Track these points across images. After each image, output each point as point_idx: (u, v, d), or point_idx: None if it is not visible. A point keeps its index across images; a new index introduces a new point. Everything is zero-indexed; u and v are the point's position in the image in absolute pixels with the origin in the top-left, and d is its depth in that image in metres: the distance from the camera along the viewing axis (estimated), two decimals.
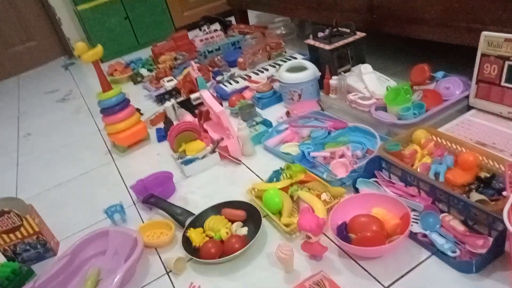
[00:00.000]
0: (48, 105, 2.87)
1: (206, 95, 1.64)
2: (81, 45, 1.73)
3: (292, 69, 1.86)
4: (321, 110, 1.75)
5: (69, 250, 1.23)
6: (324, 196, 1.23)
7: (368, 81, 1.65)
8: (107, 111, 1.85)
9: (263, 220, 1.22)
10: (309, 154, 1.46)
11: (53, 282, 1.17)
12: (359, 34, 1.82)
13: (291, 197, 1.28)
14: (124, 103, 1.88)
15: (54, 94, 3.03)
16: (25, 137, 2.42)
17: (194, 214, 1.33)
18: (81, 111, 2.60)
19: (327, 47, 1.79)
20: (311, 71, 1.82)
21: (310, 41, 1.90)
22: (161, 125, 2.05)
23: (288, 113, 1.82)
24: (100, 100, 1.85)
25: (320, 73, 1.83)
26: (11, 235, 1.27)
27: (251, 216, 1.26)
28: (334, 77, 1.75)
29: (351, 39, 1.81)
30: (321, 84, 1.82)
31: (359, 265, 1.03)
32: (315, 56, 1.92)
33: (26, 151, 2.25)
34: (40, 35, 3.76)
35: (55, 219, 1.47)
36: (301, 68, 1.84)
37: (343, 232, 1.05)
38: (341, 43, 1.80)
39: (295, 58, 2.20)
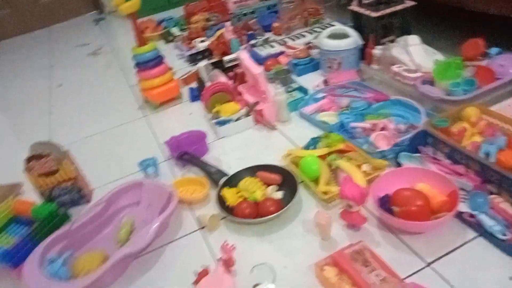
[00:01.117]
0: (79, 58, 2.86)
1: (244, 56, 1.59)
2: None
3: (334, 36, 1.78)
4: (361, 81, 1.69)
5: (105, 198, 1.24)
6: (364, 167, 1.20)
7: (414, 53, 1.57)
8: (142, 65, 1.83)
9: (299, 187, 1.20)
10: (348, 124, 1.42)
11: (88, 227, 1.18)
12: (408, 3, 1.73)
13: (329, 165, 1.25)
14: (158, 59, 1.85)
15: (85, 48, 3.01)
16: (57, 88, 2.43)
17: (228, 174, 1.32)
18: (111, 66, 2.58)
19: (373, 14, 1.70)
20: (354, 39, 1.75)
21: (355, 7, 1.81)
22: (193, 85, 2.02)
23: (325, 82, 1.76)
24: (135, 54, 1.82)
25: (362, 42, 1.76)
26: (49, 179, 1.29)
27: (287, 181, 1.24)
28: (378, 47, 1.67)
29: (399, 7, 1.72)
30: (363, 53, 1.75)
31: (399, 239, 1.00)
32: (358, 23, 1.84)
33: (58, 102, 2.26)
34: None
35: (88, 169, 1.47)
36: (343, 35, 1.77)
37: (386, 204, 1.01)
38: (388, 11, 1.71)
39: (333, 26, 2.11)
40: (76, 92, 2.32)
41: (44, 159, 1.24)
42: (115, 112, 1.99)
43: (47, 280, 1.00)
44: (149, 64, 1.81)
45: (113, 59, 2.68)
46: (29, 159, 1.25)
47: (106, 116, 1.98)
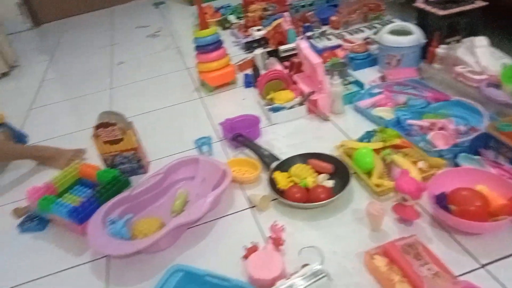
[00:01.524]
0: (139, 38, 2.98)
1: (304, 45, 1.60)
2: None
3: (395, 32, 1.75)
4: (420, 79, 1.66)
5: (163, 170, 1.31)
6: (420, 164, 1.19)
7: (481, 55, 1.52)
8: (202, 49, 1.89)
9: (351, 177, 1.21)
10: (405, 121, 1.40)
11: (147, 195, 1.25)
12: (478, 3, 1.67)
13: (383, 159, 1.24)
14: (218, 43, 1.90)
15: (145, 30, 3.13)
16: (118, 65, 2.55)
17: (280, 159, 1.34)
18: (170, 48, 2.68)
19: (440, 12, 1.66)
20: (416, 36, 1.72)
21: (420, 4, 1.77)
22: (248, 71, 2.06)
23: (383, 78, 1.74)
24: (197, 37, 1.88)
25: (425, 40, 1.72)
26: (113, 146, 1.37)
27: (338, 171, 1.26)
28: (442, 46, 1.63)
29: (468, 7, 1.67)
30: (424, 52, 1.72)
31: (452, 238, 0.99)
32: (422, 21, 1.80)
33: (119, 78, 2.37)
34: None
35: (146, 142, 1.55)
36: (405, 32, 1.74)
37: (442, 202, 1.00)
38: (456, 10, 1.66)
39: (393, 22, 2.07)
40: (136, 71, 2.43)
41: (110, 128, 1.32)
42: (172, 92, 2.07)
43: (108, 237, 1.08)
44: (209, 47, 1.87)
45: (171, 42, 2.77)
46: (97, 127, 1.33)
47: (163, 95, 2.06)
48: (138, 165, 1.42)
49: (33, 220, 1.31)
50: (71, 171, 1.36)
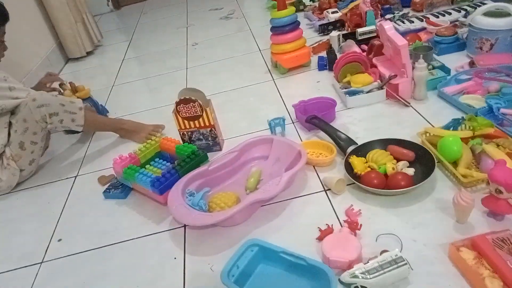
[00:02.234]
0: (212, 20, 3.04)
1: (388, 27, 1.52)
2: None
3: (491, 14, 1.61)
4: None
5: (238, 147, 1.33)
6: None
7: None
8: (278, 29, 1.87)
9: (436, 166, 1.14)
10: (498, 110, 1.29)
11: (223, 171, 1.29)
12: None
13: (472, 149, 1.16)
14: (294, 24, 1.88)
15: (219, 12, 3.18)
16: (193, 46, 2.63)
17: (357, 143, 1.31)
18: (243, 30, 2.70)
19: None
20: None
21: None
22: (322, 54, 2.02)
23: (472, 63, 1.62)
24: (273, 18, 1.87)
25: None
26: (192, 122, 1.42)
27: (420, 159, 1.19)
28: None
29: None
30: None
31: None
32: None
33: (194, 58, 2.45)
34: None
35: (220, 121, 1.58)
36: (503, 14, 1.59)
37: None
38: None
39: (486, 4, 1.90)
40: (209, 51, 2.49)
41: (191, 104, 1.36)
42: (245, 73, 2.09)
43: (188, 208, 1.12)
44: (285, 28, 1.85)
45: (244, 24, 2.79)
46: (178, 102, 1.38)
47: (236, 75, 2.09)
48: (213, 142, 1.46)
49: (117, 188, 1.40)
50: (153, 143, 1.43)
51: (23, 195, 1.56)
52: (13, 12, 1.58)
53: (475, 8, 1.85)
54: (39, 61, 2.50)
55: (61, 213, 1.40)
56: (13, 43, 1.67)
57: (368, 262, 0.89)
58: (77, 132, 1.82)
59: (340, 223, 1.08)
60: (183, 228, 1.20)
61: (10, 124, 1.48)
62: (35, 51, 2.53)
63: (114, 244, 1.22)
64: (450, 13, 2.03)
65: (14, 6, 1.82)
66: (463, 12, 1.99)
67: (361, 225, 1.03)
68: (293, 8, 1.86)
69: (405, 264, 0.87)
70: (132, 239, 1.22)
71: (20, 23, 2.35)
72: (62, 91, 1.82)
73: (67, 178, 1.59)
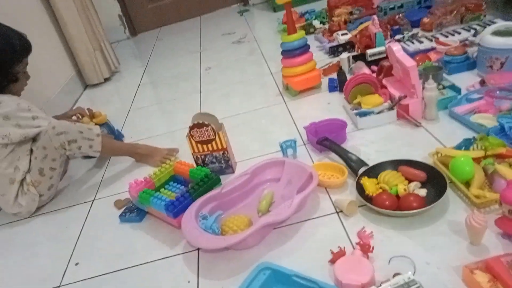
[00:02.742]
0: (225, 45, 3.11)
1: (397, 48, 1.55)
2: None
3: (500, 33, 1.62)
4: None
5: (250, 170, 1.35)
6: None
7: None
8: (288, 53, 1.91)
9: (448, 186, 1.14)
10: (510, 129, 1.28)
11: (235, 194, 1.31)
12: None
13: (485, 169, 1.15)
14: (304, 48, 1.92)
15: (231, 36, 3.26)
16: (206, 70, 2.70)
17: (368, 165, 1.31)
18: (254, 53, 2.76)
19: None
20: None
21: None
22: (333, 75, 2.04)
23: (482, 82, 1.62)
24: (284, 42, 1.91)
25: None
26: (205, 146, 1.45)
27: (432, 179, 1.19)
28: None
29: None
30: None
31: None
32: None
33: (207, 82, 2.50)
34: None
35: (232, 143, 1.61)
36: (511, 33, 1.59)
37: None
38: None
39: (495, 23, 1.91)
40: (222, 75, 2.54)
41: (204, 128, 1.40)
42: (257, 96, 2.13)
43: (201, 231, 1.14)
44: (296, 51, 1.89)
45: (256, 48, 2.85)
46: (192, 127, 1.42)
47: (248, 98, 2.13)
48: (226, 165, 1.49)
49: (133, 212, 1.43)
50: (167, 167, 1.47)
51: (42, 219, 1.60)
52: (35, 43, 1.66)
53: (484, 27, 1.86)
54: (58, 89, 2.59)
55: (78, 237, 1.43)
56: (34, 72, 1.74)
57: (380, 285, 0.89)
58: (94, 157, 1.87)
59: (352, 245, 1.08)
60: (196, 251, 1.21)
61: (31, 151, 1.54)
62: (55, 79, 2.62)
63: (129, 268, 1.24)
64: (459, 33, 2.04)
65: (38, 37, 1.91)
66: (472, 31, 2.00)
67: (373, 247, 1.03)
68: (303, 32, 1.90)
69: (418, 287, 0.86)
70: (147, 262, 1.24)
71: (41, 52, 2.45)
72: (80, 117, 1.89)
73: (84, 202, 1.63)
